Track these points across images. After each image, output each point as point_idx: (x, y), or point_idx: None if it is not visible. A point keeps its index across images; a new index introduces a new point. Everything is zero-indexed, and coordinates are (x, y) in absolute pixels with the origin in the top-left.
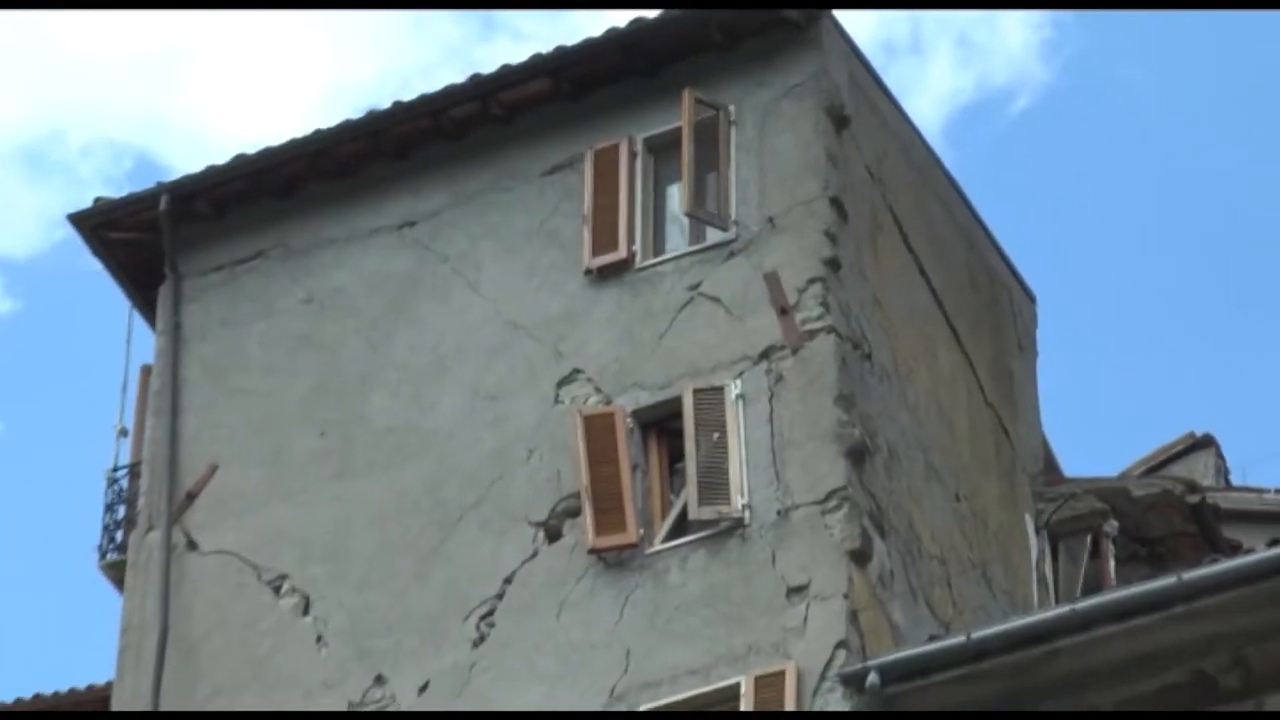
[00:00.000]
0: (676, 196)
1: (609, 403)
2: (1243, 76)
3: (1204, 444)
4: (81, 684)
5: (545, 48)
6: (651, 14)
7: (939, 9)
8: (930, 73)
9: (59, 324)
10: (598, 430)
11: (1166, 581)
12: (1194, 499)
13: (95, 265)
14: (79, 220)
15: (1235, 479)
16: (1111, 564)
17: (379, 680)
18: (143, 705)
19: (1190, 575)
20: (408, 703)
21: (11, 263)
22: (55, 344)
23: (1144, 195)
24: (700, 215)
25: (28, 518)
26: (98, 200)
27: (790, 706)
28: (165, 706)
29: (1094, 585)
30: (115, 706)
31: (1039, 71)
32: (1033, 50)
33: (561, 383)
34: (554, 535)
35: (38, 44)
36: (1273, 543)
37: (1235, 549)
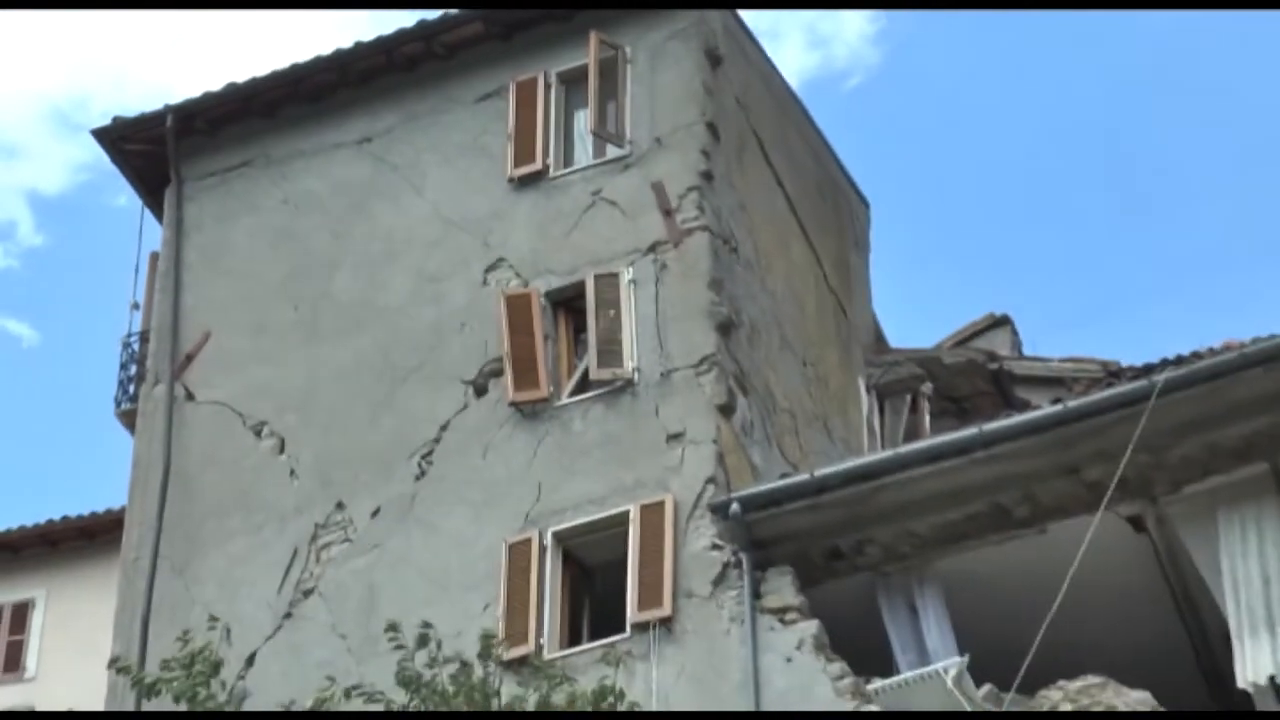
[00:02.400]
0: (583, 119)
1: (526, 285)
2: (1022, 59)
3: (1001, 322)
4: (100, 508)
5: None
6: None
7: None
8: (784, 53)
9: (79, 249)
10: (517, 307)
11: (969, 431)
12: (993, 366)
13: (109, 201)
14: (101, 134)
15: (1026, 350)
16: (927, 418)
17: (339, 506)
18: (150, 525)
19: (989, 426)
20: (362, 524)
21: (43, 200)
22: (75, 265)
23: (951, 138)
24: (602, 135)
25: (61, 384)
26: (115, 119)
27: (669, 530)
28: (167, 526)
29: (912, 434)
30: (127, 525)
31: (871, 55)
32: (867, 39)
33: (488, 269)
34: (481, 391)
35: (70, 22)
36: (1055, 401)
37: (1025, 406)
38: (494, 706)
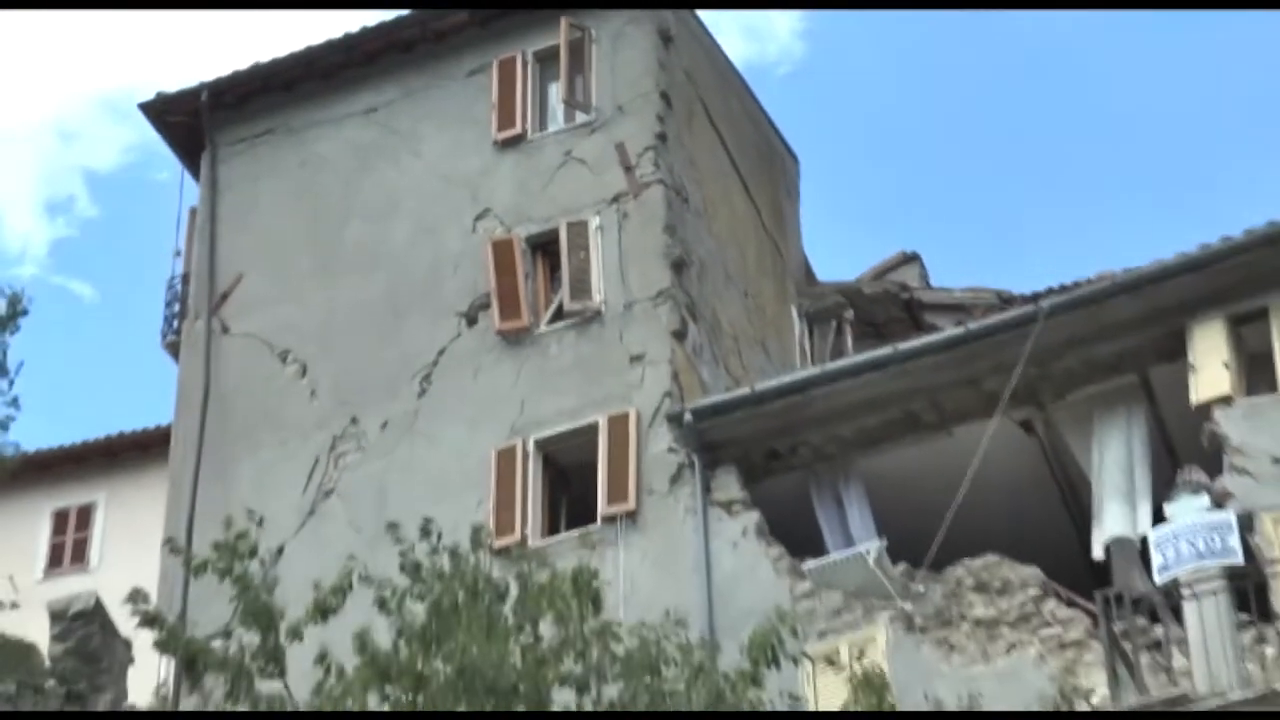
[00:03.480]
0: (555, 91)
1: (509, 232)
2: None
3: (912, 259)
4: (151, 425)
5: None
6: None
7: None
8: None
9: (128, 218)
10: (502, 251)
11: (885, 350)
12: (905, 295)
13: (153, 176)
14: (146, 109)
15: (933, 282)
16: (849, 340)
17: (353, 421)
18: (192, 440)
19: (901, 346)
20: (373, 436)
21: (97, 177)
22: (125, 232)
23: (868, 109)
24: (571, 103)
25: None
26: (158, 95)
27: (633, 437)
28: (208, 439)
29: (837, 354)
30: (174, 439)
31: (797, 47)
32: (795, 34)
33: (477, 218)
34: (472, 322)
35: (117, 22)
36: (957, 324)
37: (932, 328)
38: (483, 588)
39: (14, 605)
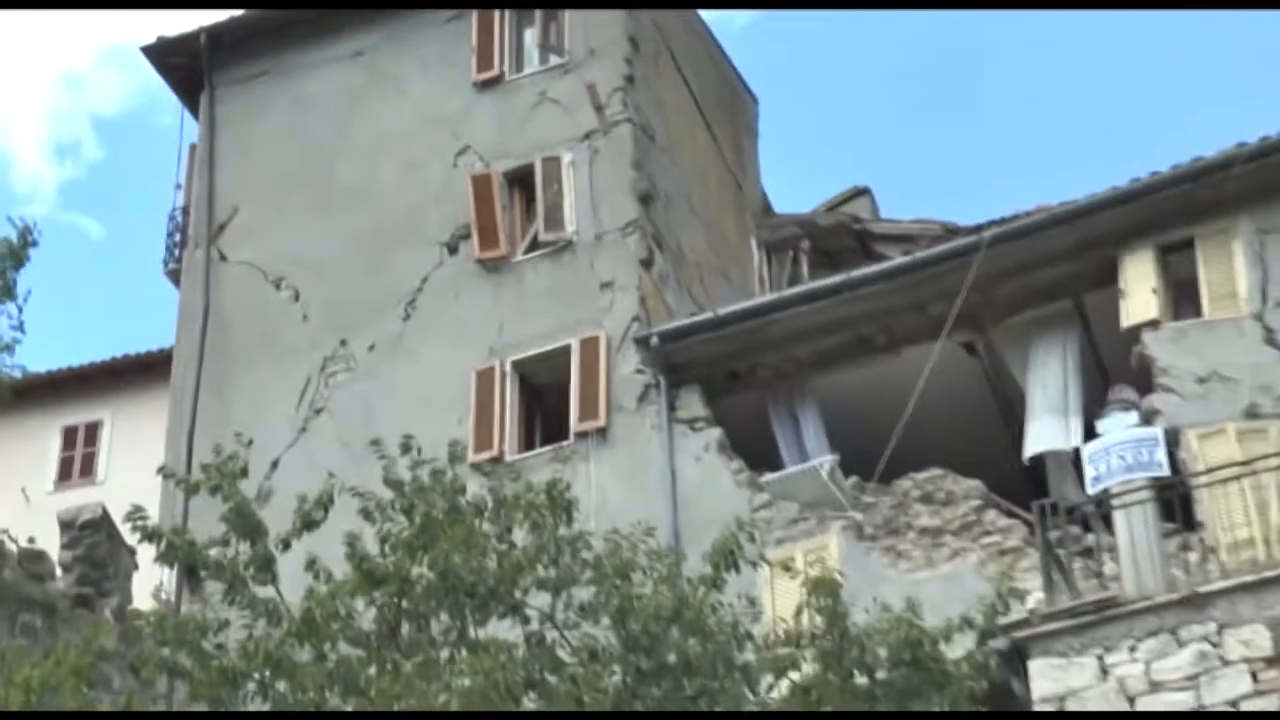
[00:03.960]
0: (530, 35)
1: (488, 167)
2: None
3: (863, 192)
4: (155, 347)
5: None
6: None
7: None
8: None
9: (132, 160)
10: (481, 185)
11: (839, 278)
12: (857, 226)
13: (155, 120)
14: (149, 51)
15: (883, 214)
16: (805, 268)
17: (343, 343)
18: (192, 361)
19: (854, 274)
20: (361, 357)
21: (103, 121)
22: (129, 172)
23: (823, 56)
24: (546, 47)
25: (122, 263)
26: (160, 39)
27: (603, 359)
28: (207, 361)
29: (793, 281)
30: (175, 360)
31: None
32: None
33: (458, 154)
34: (454, 250)
35: None
36: (905, 253)
37: (882, 257)
38: (462, 501)
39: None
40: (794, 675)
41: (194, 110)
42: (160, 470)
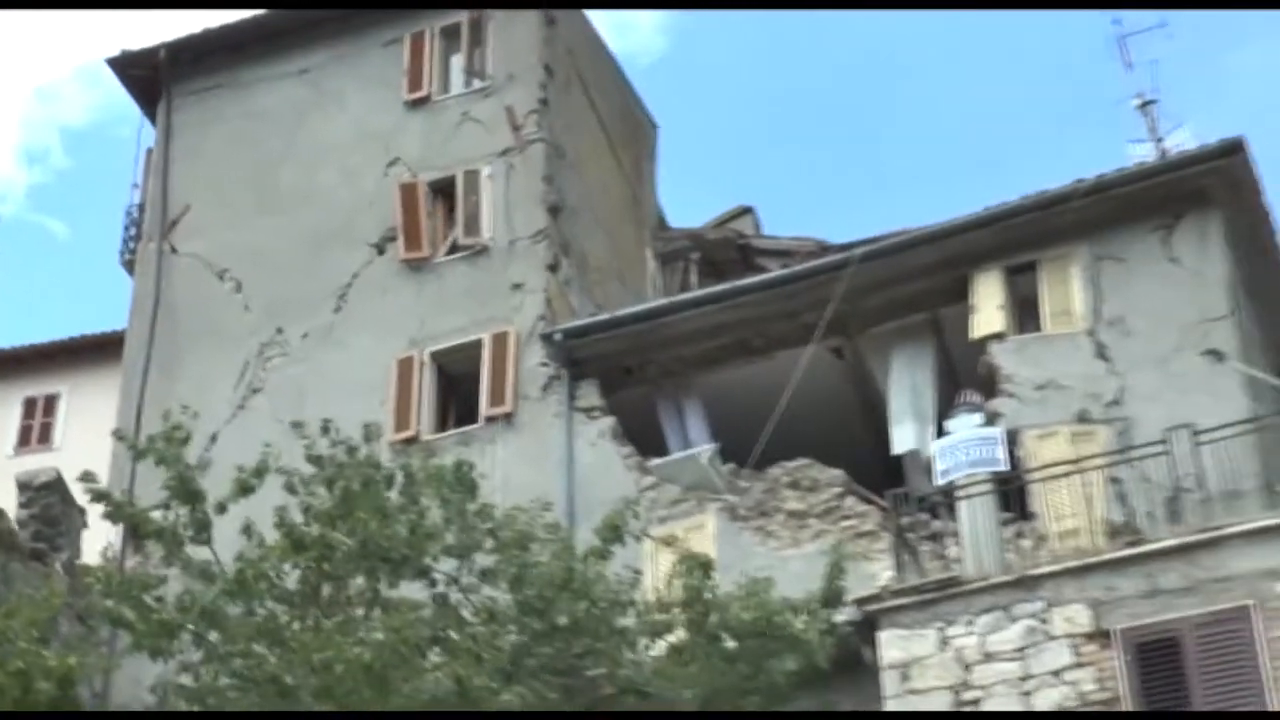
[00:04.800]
0: (457, 62)
1: (415, 177)
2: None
3: (747, 211)
4: (109, 329)
5: None
6: None
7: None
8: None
9: (95, 167)
10: (408, 193)
11: (723, 286)
12: (741, 241)
13: (117, 132)
14: (113, 63)
15: (765, 231)
16: (694, 276)
17: (279, 331)
18: (143, 343)
19: (736, 283)
20: (295, 344)
21: (70, 131)
22: (92, 179)
23: (716, 90)
24: (471, 72)
25: (83, 258)
26: (123, 52)
27: (511, 352)
28: (158, 346)
29: (683, 289)
30: (128, 341)
31: (658, 43)
32: (657, 30)
33: (389, 165)
34: (381, 251)
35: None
36: (783, 267)
37: (762, 270)
38: (378, 476)
39: None
40: (669, 638)
41: (152, 118)
42: (114, 433)
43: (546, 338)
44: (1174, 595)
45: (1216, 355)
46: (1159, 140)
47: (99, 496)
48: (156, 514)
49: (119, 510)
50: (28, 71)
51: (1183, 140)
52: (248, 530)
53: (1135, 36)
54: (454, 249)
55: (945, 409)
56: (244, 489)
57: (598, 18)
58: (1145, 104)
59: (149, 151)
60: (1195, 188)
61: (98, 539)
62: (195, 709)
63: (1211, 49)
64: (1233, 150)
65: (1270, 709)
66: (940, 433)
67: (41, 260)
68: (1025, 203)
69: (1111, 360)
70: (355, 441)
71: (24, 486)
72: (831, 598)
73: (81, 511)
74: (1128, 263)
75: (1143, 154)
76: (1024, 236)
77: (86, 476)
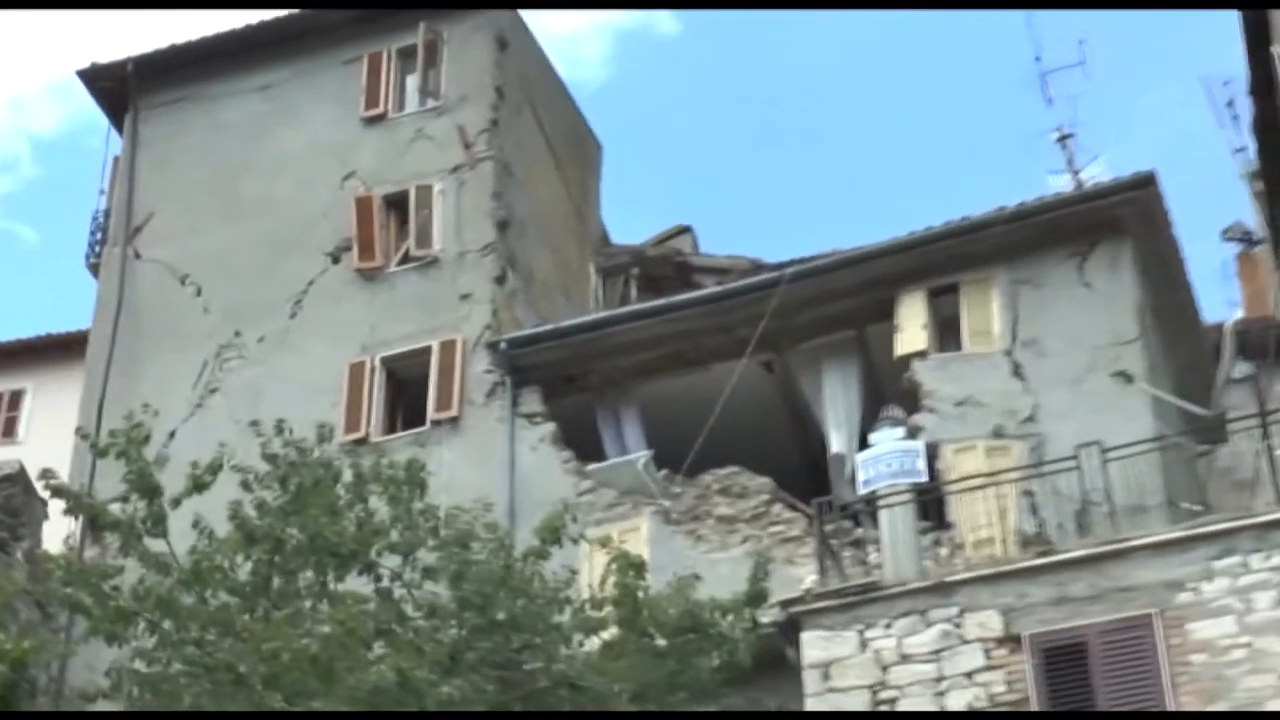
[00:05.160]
0: (412, 81)
1: (370, 191)
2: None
3: (686, 230)
4: (74, 329)
5: None
6: None
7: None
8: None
9: (63, 176)
10: (363, 206)
11: (661, 301)
12: (679, 259)
13: (85, 143)
14: (83, 74)
15: (702, 249)
16: (634, 291)
17: (237, 334)
18: (106, 343)
19: (674, 299)
20: (252, 347)
21: (39, 140)
22: (60, 187)
23: (657, 117)
24: (426, 91)
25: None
26: (93, 64)
27: (459, 359)
28: (120, 346)
29: (623, 303)
30: (92, 341)
31: (604, 72)
32: (603, 62)
33: (345, 178)
34: (336, 260)
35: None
36: (717, 284)
37: (698, 286)
38: (323, 475)
39: None
40: (602, 635)
41: (120, 128)
42: (77, 430)
43: (492, 346)
44: (1081, 603)
45: (1125, 377)
46: (1076, 172)
47: (58, 492)
48: (115, 507)
49: (78, 503)
50: (2, 83)
51: (1098, 173)
52: (198, 524)
53: (1055, 74)
54: (405, 260)
55: (869, 422)
56: (198, 485)
57: (548, 45)
58: (1064, 138)
59: (116, 160)
60: (1109, 217)
61: (59, 529)
62: (148, 695)
63: (1126, 89)
64: (1145, 183)
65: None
66: (864, 445)
67: (10, 264)
68: (948, 228)
69: (1027, 379)
70: (309, 442)
71: None
72: (756, 599)
73: (43, 502)
74: (1044, 287)
75: (1061, 184)
76: (947, 260)
77: (46, 474)
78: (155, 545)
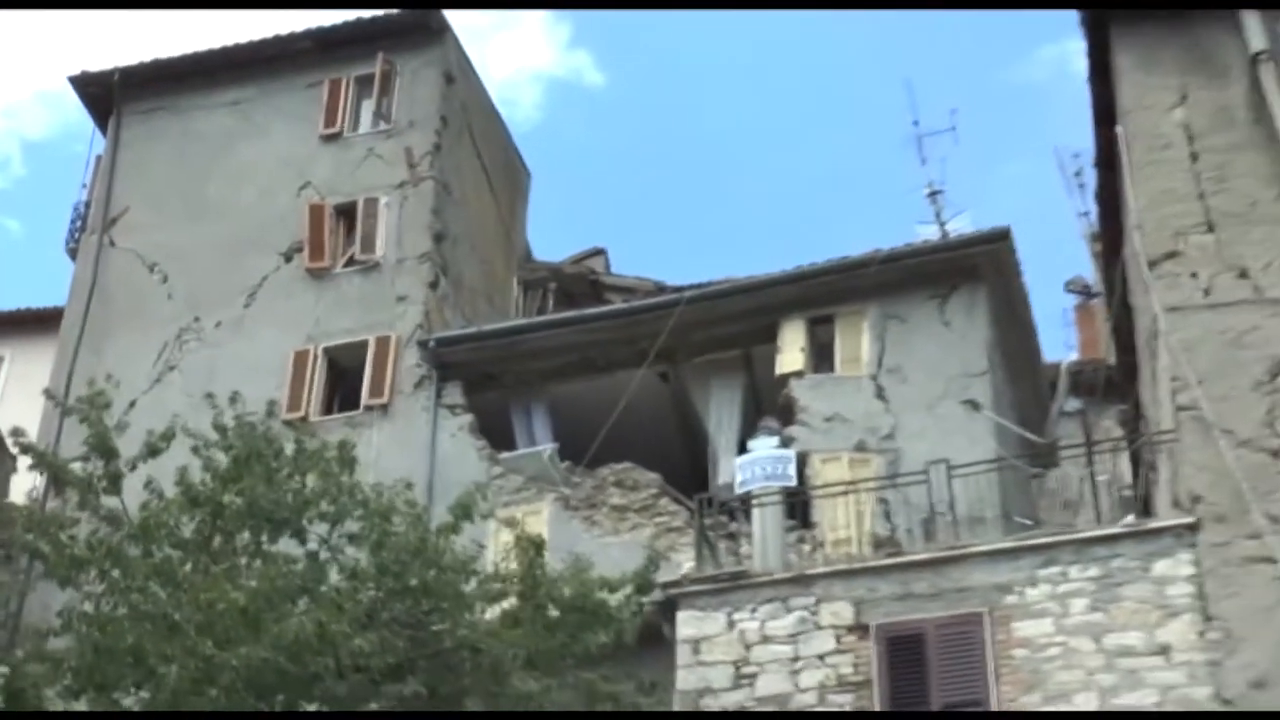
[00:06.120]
0: (367, 106)
1: (323, 200)
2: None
3: (600, 251)
4: (49, 305)
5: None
6: (365, 13)
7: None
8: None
9: (50, 177)
10: (316, 213)
11: (573, 314)
12: (592, 277)
13: (70, 148)
14: (74, 80)
15: (613, 269)
16: (551, 303)
17: (196, 319)
18: (78, 319)
19: (585, 312)
20: (209, 331)
21: (29, 143)
22: (47, 187)
23: (579, 151)
24: (378, 115)
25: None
26: (83, 72)
27: (392, 353)
28: (91, 323)
29: (541, 313)
30: (65, 319)
31: (536, 115)
32: (535, 107)
33: (301, 188)
34: (289, 259)
35: (53, 22)
36: (624, 301)
37: (608, 302)
38: (265, 448)
39: None
40: (503, 605)
41: (103, 130)
42: (45, 392)
43: (422, 344)
44: (922, 599)
45: (973, 405)
46: (942, 224)
47: (26, 449)
48: (76, 465)
49: (43, 460)
50: None
51: (961, 226)
52: (150, 485)
53: (930, 137)
54: (350, 263)
55: (749, 431)
56: (153, 450)
57: (489, 83)
58: (933, 193)
59: (98, 158)
60: (968, 265)
61: (25, 483)
62: (95, 633)
63: (991, 155)
64: (1001, 237)
65: (993, 698)
66: (742, 450)
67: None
68: (829, 265)
69: (888, 401)
70: (257, 416)
71: None
72: (644, 586)
73: (12, 458)
74: (908, 322)
75: (928, 234)
76: (826, 293)
77: (16, 432)
78: (110, 502)
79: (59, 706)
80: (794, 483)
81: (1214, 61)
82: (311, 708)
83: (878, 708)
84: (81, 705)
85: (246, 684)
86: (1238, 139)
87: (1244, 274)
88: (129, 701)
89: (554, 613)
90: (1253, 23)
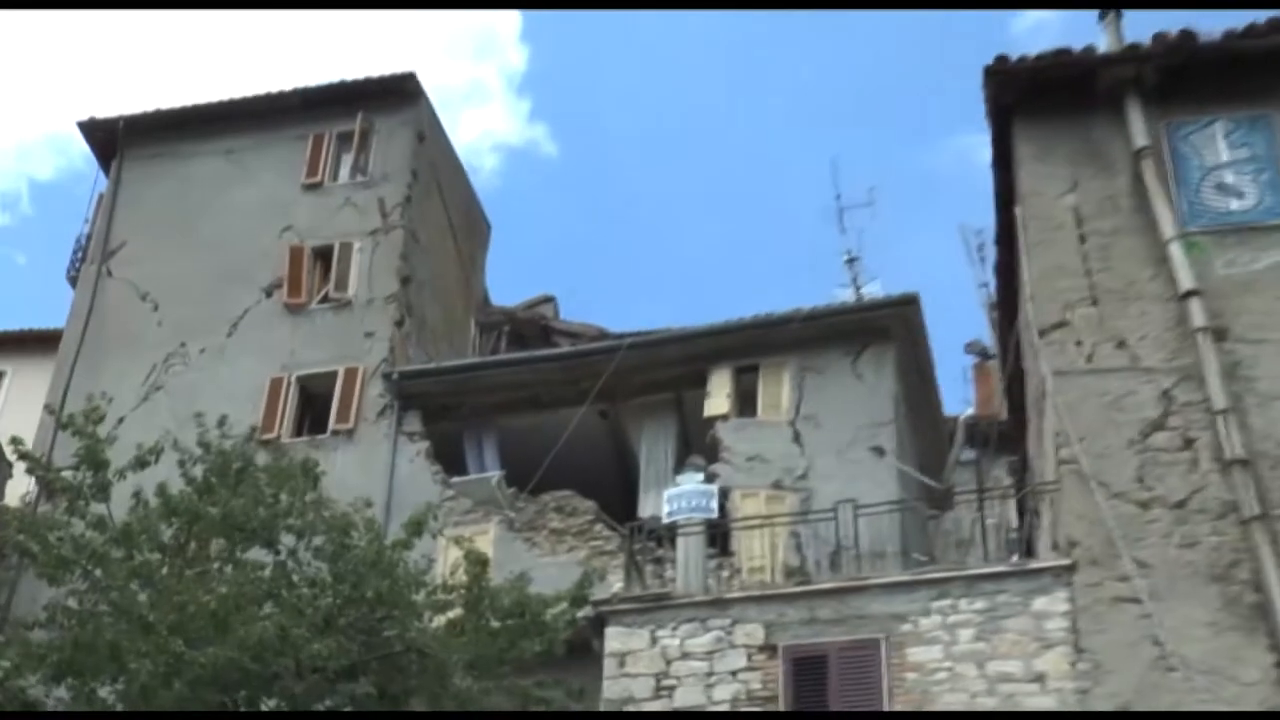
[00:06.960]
0: (346, 159)
1: (303, 242)
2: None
3: (549, 299)
4: (50, 326)
5: (304, 83)
6: (347, 76)
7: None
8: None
9: (55, 215)
10: (295, 254)
11: (524, 355)
12: (543, 322)
13: (75, 189)
14: (81, 125)
15: (562, 316)
16: (504, 344)
17: (182, 345)
18: (75, 341)
19: (535, 353)
20: (194, 356)
21: (36, 183)
22: (52, 224)
23: (535, 200)
24: (356, 168)
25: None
26: (90, 118)
27: (358, 383)
28: (88, 343)
29: (494, 352)
30: (63, 340)
31: (498, 179)
32: (494, 173)
33: (283, 231)
34: (269, 295)
35: (58, 69)
36: (571, 345)
37: (555, 345)
38: (239, 465)
39: None
40: (449, 614)
41: (107, 171)
42: (45, 407)
43: (386, 376)
44: (827, 624)
45: (879, 451)
46: (858, 288)
47: (23, 456)
48: (68, 474)
49: (37, 467)
50: (7, 136)
51: (874, 290)
52: (136, 496)
53: (850, 210)
54: (325, 300)
55: (677, 466)
56: (141, 463)
57: (457, 147)
58: (851, 260)
59: (100, 196)
60: (879, 326)
61: (20, 487)
62: (76, 627)
63: (904, 228)
64: (909, 302)
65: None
66: (671, 483)
67: (7, 280)
68: (755, 320)
69: (803, 445)
70: (235, 436)
71: None
72: (579, 601)
73: (9, 465)
74: (824, 374)
75: (845, 296)
76: (751, 346)
77: (15, 441)
78: (97, 508)
79: (38, 693)
80: (716, 515)
81: (1102, 155)
82: (271, 704)
83: None
84: (60, 692)
85: (212, 680)
86: (1120, 224)
87: (1122, 344)
88: (104, 692)
89: (494, 623)
90: (1136, 122)
